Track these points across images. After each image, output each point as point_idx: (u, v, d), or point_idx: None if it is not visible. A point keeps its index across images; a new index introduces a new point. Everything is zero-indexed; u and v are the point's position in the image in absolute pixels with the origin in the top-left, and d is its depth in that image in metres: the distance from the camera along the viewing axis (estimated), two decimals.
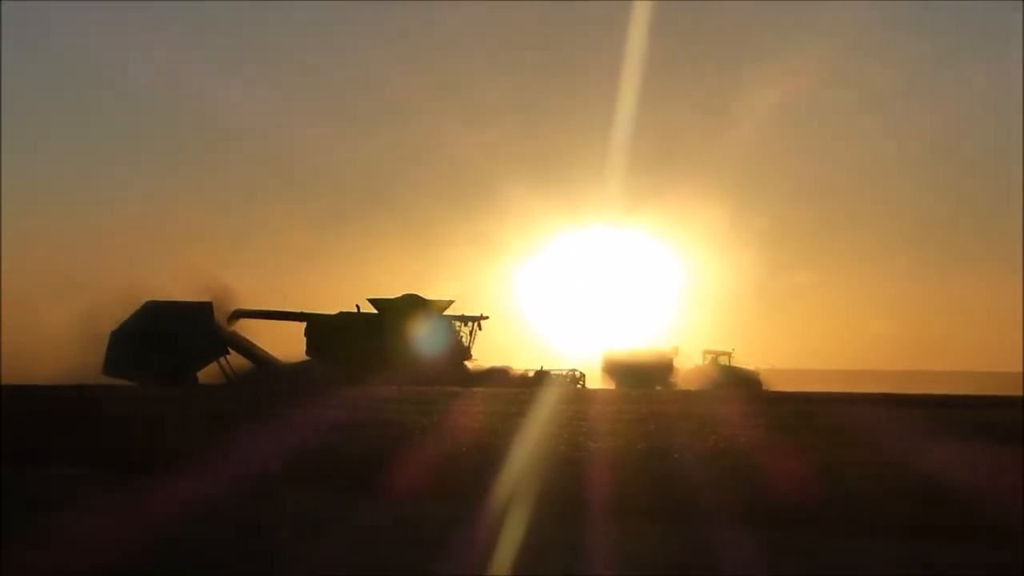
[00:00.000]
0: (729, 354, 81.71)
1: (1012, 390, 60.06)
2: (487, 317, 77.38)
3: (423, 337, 72.03)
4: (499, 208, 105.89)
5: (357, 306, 75.87)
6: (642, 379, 73.64)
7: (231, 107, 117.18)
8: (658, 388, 70.57)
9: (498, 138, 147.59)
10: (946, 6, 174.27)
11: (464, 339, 76.88)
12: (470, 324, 77.00)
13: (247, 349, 73.10)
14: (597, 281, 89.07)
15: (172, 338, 68.72)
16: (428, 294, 76.73)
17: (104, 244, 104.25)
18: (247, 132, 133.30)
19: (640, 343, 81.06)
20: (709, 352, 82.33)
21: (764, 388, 74.37)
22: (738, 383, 74.46)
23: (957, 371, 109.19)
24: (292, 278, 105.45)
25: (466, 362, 75.89)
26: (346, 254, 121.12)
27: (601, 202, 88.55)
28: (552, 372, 75.97)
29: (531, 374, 74.87)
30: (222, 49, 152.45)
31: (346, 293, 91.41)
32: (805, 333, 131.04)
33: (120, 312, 70.23)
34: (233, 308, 73.74)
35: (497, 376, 71.11)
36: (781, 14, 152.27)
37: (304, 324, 75.34)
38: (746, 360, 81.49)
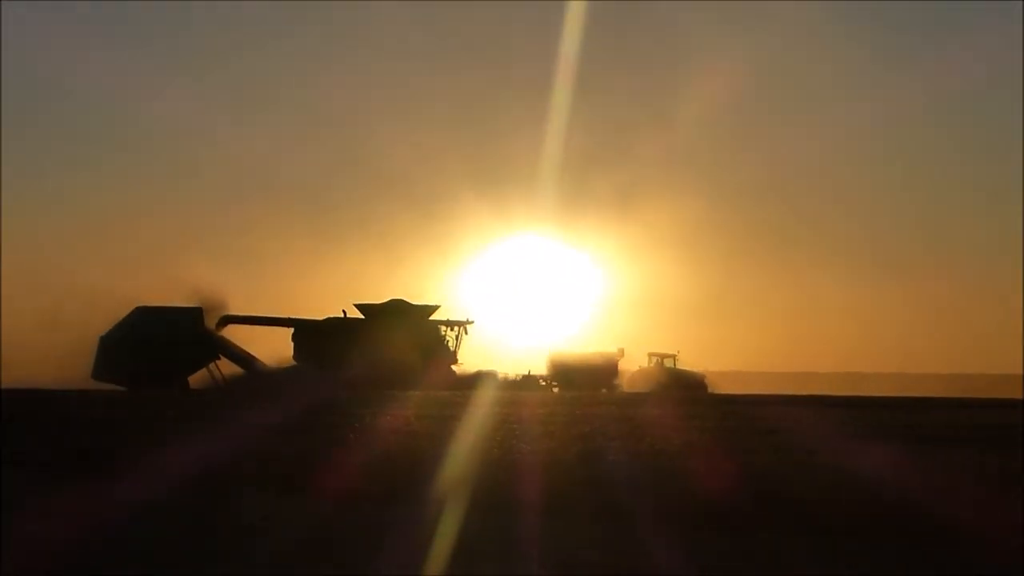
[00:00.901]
0: (674, 357, 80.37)
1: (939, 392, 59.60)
2: (472, 322, 75.82)
3: (409, 342, 70.64)
4: (449, 213, 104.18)
5: (344, 311, 74.58)
6: (587, 381, 72.11)
7: (209, 119, 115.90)
8: (603, 390, 69.12)
9: (445, 141, 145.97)
10: (893, 4, 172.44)
11: (450, 343, 75.34)
12: (456, 328, 75.46)
13: (236, 354, 71.73)
14: (542, 285, 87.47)
15: (162, 343, 67.27)
16: (414, 299, 75.43)
17: (94, 251, 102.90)
18: (223, 143, 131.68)
19: (586, 345, 79.39)
20: (654, 355, 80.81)
21: (709, 390, 73.52)
22: (683, 385, 73.51)
23: (896, 373, 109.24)
24: (280, 284, 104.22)
25: (452, 366, 74.27)
26: (332, 259, 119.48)
27: (545, 206, 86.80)
28: (538, 377, 75.02)
29: (519, 378, 73.79)
30: (186, 59, 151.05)
31: (334, 298, 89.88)
32: (750, 336, 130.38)
33: (110, 318, 68.79)
34: (222, 314, 72.42)
35: (484, 380, 69.37)
36: (719, 13, 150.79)
37: (292, 329, 74.15)
38: (691, 363, 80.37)
